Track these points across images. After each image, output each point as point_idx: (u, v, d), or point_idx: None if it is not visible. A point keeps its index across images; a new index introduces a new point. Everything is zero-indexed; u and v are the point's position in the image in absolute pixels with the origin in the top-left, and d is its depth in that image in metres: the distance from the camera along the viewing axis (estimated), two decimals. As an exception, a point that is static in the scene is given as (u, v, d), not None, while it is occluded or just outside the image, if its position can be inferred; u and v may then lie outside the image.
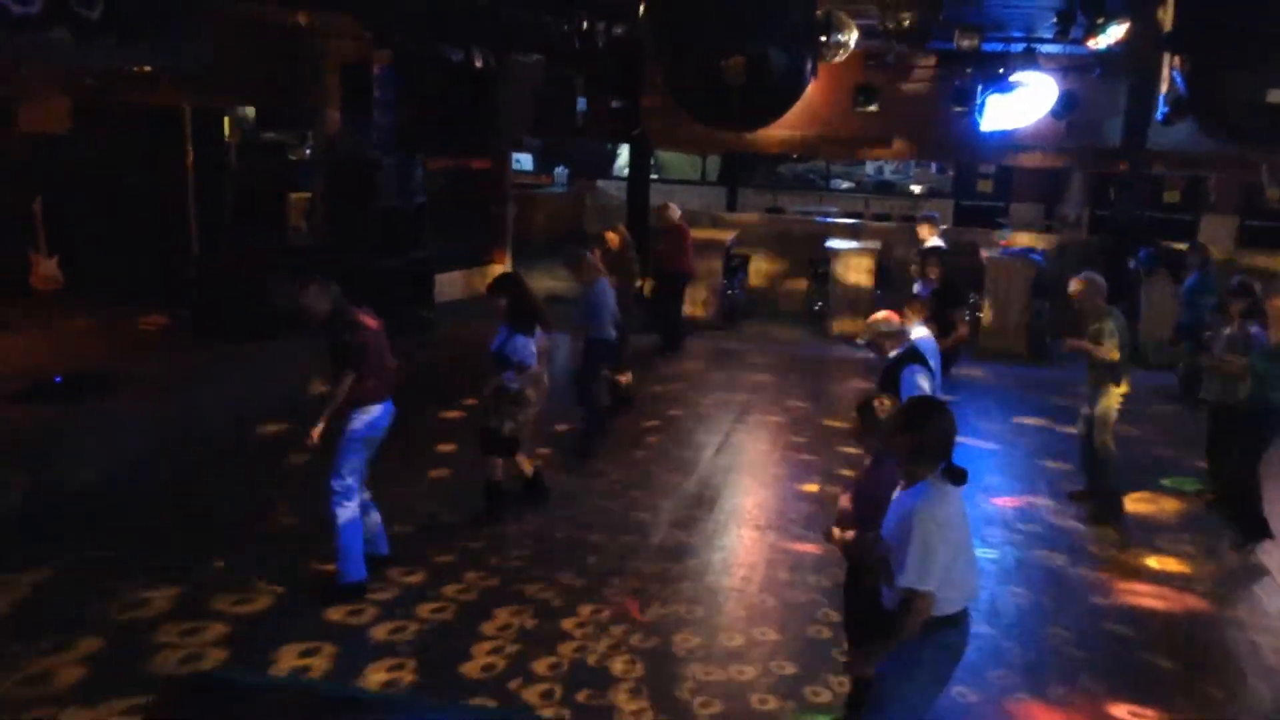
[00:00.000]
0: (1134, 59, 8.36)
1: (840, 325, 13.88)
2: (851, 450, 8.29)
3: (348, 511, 6.24)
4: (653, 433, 9.87)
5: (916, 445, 4.16)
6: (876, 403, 4.81)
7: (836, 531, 4.86)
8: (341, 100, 12.04)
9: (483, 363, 7.50)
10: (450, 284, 14.29)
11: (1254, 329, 7.77)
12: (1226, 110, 3.32)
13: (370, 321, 6.35)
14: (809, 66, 3.65)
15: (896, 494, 4.29)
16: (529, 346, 7.29)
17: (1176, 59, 3.50)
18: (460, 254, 14.79)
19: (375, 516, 6.67)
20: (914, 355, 6.67)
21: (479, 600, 6.44)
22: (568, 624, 6.21)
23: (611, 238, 10.52)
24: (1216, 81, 3.26)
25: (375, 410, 6.31)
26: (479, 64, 11.08)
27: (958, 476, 4.15)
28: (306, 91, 12.10)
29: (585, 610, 6.38)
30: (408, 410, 6.79)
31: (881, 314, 6.86)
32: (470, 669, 5.68)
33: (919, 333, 7.28)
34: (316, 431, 6.08)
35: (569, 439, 9.31)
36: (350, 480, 6.25)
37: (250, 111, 12.95)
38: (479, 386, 7.67)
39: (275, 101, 12.40)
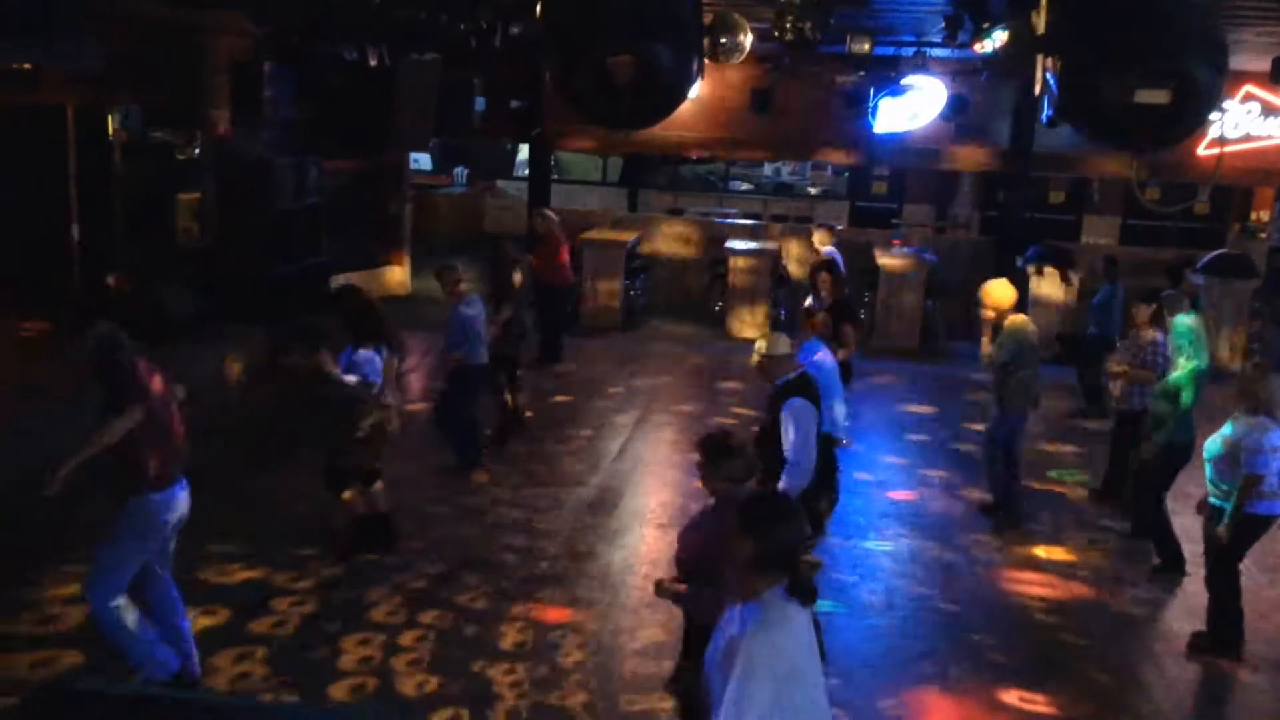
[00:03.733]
0: (1016, 63, 8.62)
1: (739, 325, 14.04)
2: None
3: (118, 611, 5.06)
4: (553, 438, 9.84)
5: (757, 554, 3.22)
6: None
7: (665, 581, 4.31)
8: (232, 99, 11.71)
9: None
10: (347, 286, 14.03)
11: (1158, 335, 7.92)
12: (1098, 112, 3.43)
13: (155, 383, 5.17)
14: (696, 65, 3.68)
15: (726, 613, 3.38)
16: (373, 362, 6.61)
17: (1050, 61, 3.62)
18: (357, 256, 14.55)
19: (183, 625, 5.38)
20: (800, 386, 5.90)
21: (357, 604, 6.37)
22: (445, 618, 6.18)
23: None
24: (1088, 83, 3.37)
25: (158, 497, 5.10)
26: (374, 63, 10.89)
27: (806, 594, 3.27)
28: (196, 90, 11.78)
29: (483, 605, 6.36)
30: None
31: (773, 336, 6.06)
32: (346, 662, 5.66)
33: (818, 353, 6.98)
34: (60, 473, 4.85)
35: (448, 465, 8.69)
36: (119, 578, 5.08)
37: (136, 111, 12.55)
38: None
39: (163, 100, 12.03)
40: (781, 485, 5.58)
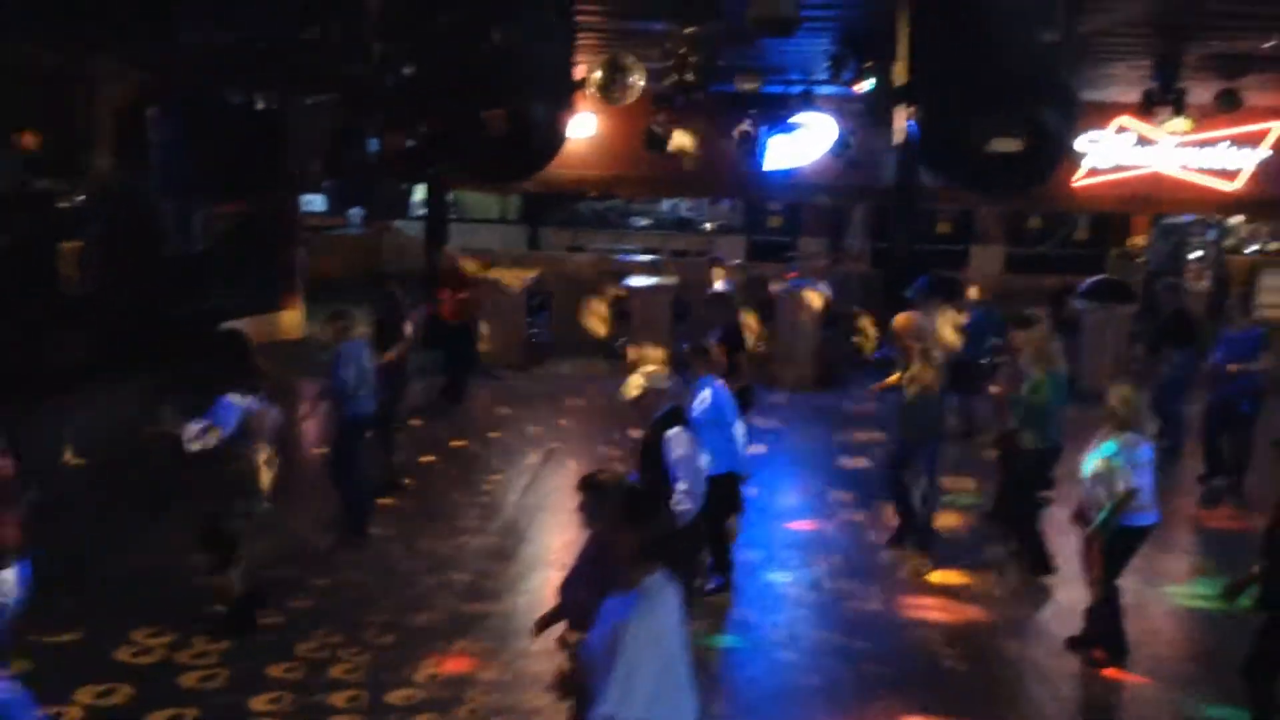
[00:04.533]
0: (884, 109, 8.93)
1: (642, 360, 14.10)
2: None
3: None
4: (455, 477, 9.76)
5: (641, 544, 3.54)
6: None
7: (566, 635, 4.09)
8: (118, 144, 11.49)
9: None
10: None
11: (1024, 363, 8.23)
12: (955, 159, 3.58)
13: None
14: (568, 118, 3.71)
15: (609, 601, 3.61)
16: (231, 409, 6.16)
17: (911, 110, 3.78)
18: (250, 300, 14.30)
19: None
20: (677, 416, 6.12)
21: (256, 666, 6.22)
22: (349, 671, 6.07)
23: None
24: (945, 132, 3.51)
25: None
26: (263, 105, 10.78)
27: (684, 577, 3.59)
28: (79, 136, 11.49)
29: (384, 659, 6.25)
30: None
31: (652, 371, 6.15)
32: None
33: (705, 390, 7.04)
34: None
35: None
36: None
37: (16, 158, 12.18)
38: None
39: (46, 147, 11.71)
40: (678, 513, 5.67)
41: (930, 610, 7.38)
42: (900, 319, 8.04)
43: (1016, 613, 7.42)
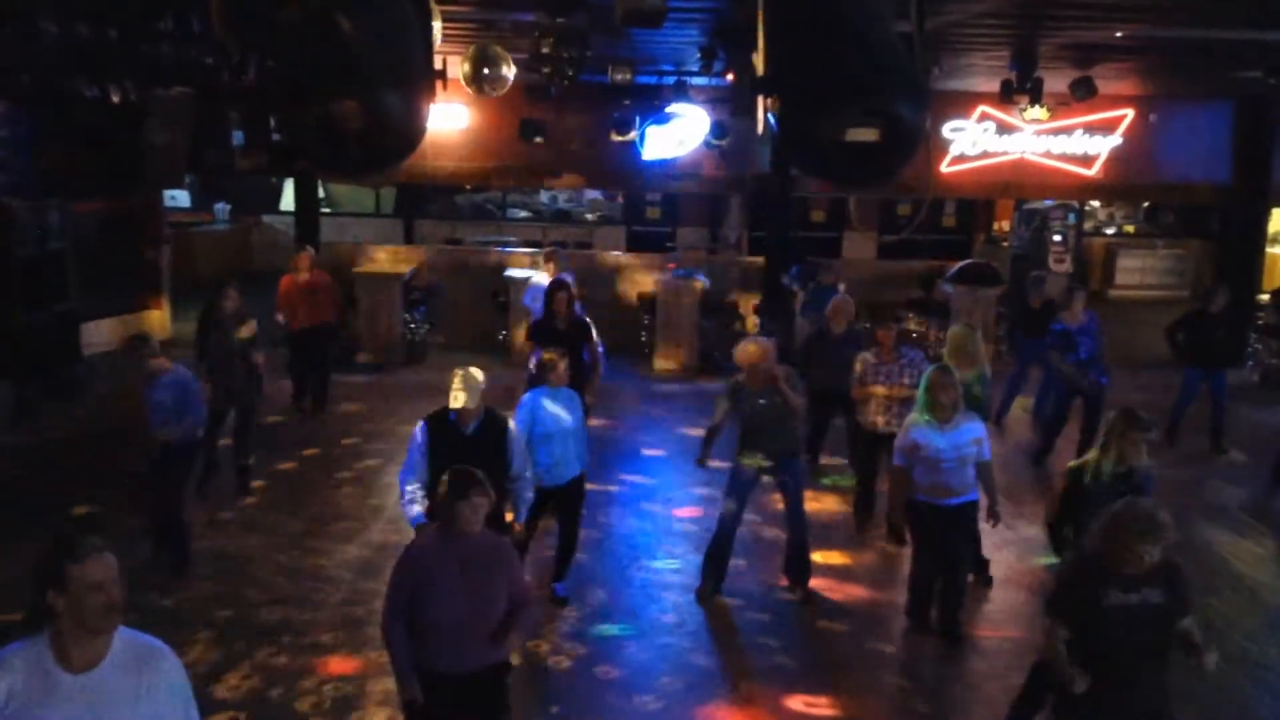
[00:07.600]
0: (748, 100, 9.00)
1: (522, 353, 14.02)
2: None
3: None
4: (334, 480, 9.57)
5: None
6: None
7: None
8: (-35, 142, 10.90)
9: None
10: (100, 333, 13.29)
11: (916, 353, 8.40)
12: (813, 150, 3.62)
13: None
14: (427, 110, 3.62)
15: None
16: None
17: (770, 101, 3.81)
18: (112, 301, 13.78)
19: None
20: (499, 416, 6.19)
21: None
22: (234, 680, 5.91)
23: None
24: (803, 123, 3.56)
25: None
26: (118, 99, 10.32)
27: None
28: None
29: (265, 664, 6.10)
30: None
31: (473, 370, 6.14)
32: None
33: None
34: None
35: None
36: None
37: None
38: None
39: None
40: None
41: (813, 589, 7.53)
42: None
43: (897, 589, 7.61)
